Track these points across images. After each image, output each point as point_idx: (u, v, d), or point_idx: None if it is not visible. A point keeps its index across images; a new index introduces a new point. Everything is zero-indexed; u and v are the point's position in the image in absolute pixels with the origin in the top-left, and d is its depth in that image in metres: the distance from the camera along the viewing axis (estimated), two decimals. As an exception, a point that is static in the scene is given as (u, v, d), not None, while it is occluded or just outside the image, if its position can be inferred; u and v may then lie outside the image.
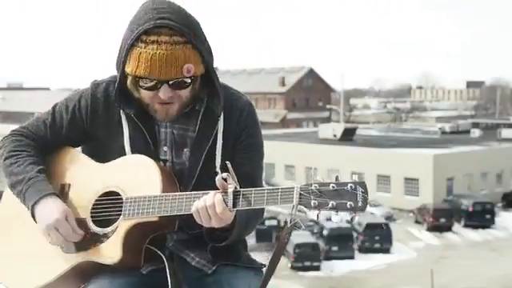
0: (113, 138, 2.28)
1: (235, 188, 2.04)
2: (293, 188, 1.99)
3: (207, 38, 2.21)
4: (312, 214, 1.98)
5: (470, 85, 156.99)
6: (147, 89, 2.14)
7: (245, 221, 2.16)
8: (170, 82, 2.12)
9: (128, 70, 2.13)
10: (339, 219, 1.97)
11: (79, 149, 2.40)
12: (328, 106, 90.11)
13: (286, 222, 1.98)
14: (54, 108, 2.36)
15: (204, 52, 2.16)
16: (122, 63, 2.15)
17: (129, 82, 2.17)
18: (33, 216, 2.18)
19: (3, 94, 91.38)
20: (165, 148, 2.28)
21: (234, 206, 2.04)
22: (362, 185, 1.97)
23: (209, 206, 2.03)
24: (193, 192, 2.12)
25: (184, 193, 2.13)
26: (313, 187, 1.97)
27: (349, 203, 1.95)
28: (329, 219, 2.04)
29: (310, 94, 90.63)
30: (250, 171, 2.30)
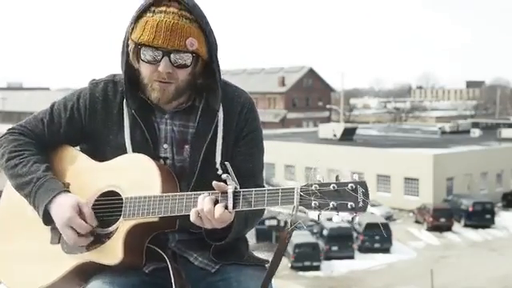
0: (112, 136, 2.26)
1: (235, 188, 2.02)
2: (293, 189, 1.97)
3: (214, 35, 2.21)
4: (313, 215, 1.96)
5: (470, 85, 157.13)
6: (148, 61, 2.12)
7: (243, 218, 2.15)
8: (172, 56, 2.10)
9: (133, 36, 2.12)
10: (340, 219, 1.96)
11: (78, 147, 2.38)
12: (328, 106, 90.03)
13: (286, 223, 1.96)
14: (52, 107, 2.34)
15: (209, 37, 2.16)
16: (128, 36, 2.15)
17: (131, 51, 2.16)
18: (48, 217, 2.16)
19: (3, 93, 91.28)
20: (165, 145, 2.26)
21: (234, 207, 2.02)
22: (363, 184, 1.95)
23: (207, 212, 2.01)
24: (192, 192, 2.09)
25: (184, 193, 2.11)
26: (313, 188, 1.95)
27: (349, 204, 1.93)
28: (329, 219, 2.03)
29: (310, 94, 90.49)
30: (252, 167, 2.29)
